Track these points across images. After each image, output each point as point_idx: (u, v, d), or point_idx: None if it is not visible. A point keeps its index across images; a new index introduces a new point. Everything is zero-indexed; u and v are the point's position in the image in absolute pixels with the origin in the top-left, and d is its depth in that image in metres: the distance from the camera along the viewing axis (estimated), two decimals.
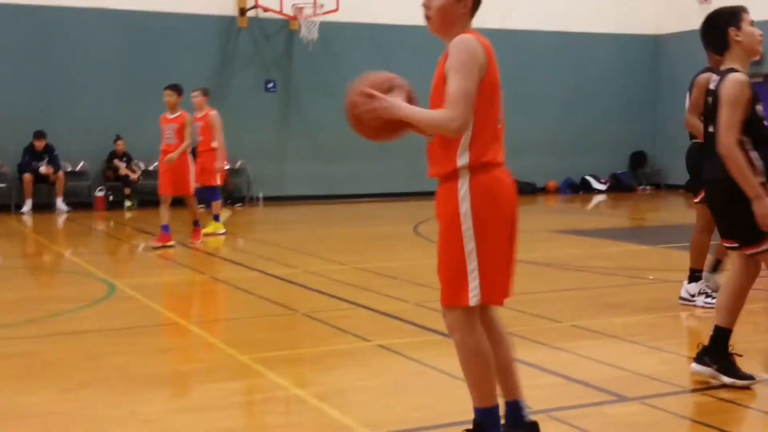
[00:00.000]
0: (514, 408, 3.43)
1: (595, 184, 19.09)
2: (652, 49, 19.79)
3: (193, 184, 10.29)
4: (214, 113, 11.00)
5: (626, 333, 5.50)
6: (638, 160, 19.82)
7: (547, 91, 18.89)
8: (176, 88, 10.24)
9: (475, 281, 3.21)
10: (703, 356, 4.35)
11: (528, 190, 18.34)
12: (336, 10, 15.99)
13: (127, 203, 15.28)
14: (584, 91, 19.20)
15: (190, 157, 10.24)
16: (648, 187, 19.46)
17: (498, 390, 3.41)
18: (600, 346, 5.25)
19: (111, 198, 15.34)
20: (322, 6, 15.91)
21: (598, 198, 18.13)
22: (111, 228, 13.06)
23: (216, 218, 11.23)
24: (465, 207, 3.21)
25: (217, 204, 11.26)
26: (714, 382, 4.31)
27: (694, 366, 4.37)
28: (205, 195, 11.08)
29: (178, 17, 16.00)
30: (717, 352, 4.31)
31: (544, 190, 18.69)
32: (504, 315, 5.95)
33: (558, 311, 6.22)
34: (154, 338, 5.89)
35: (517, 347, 5.15)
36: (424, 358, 4.91)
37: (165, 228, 9.95)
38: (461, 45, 3.18)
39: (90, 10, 15.46)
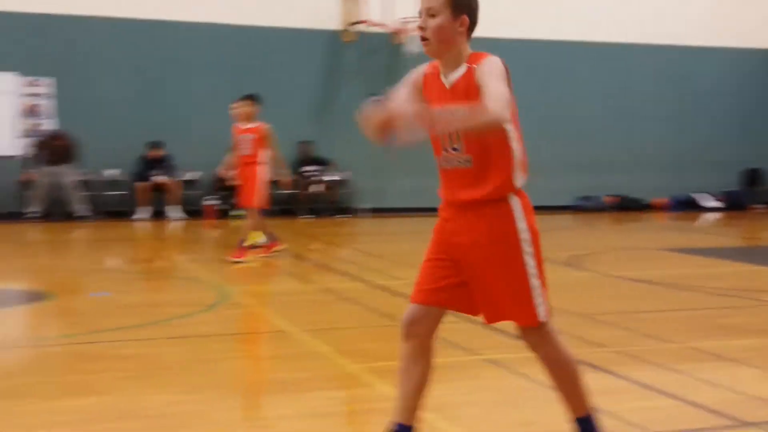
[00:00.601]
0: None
1: (706, 202, 18.51)
2: (766, 63, 19.10)
3: (260, 198, 9.92)
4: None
5: (743, 356, 5.31)
6: (752, 177, 19.13)
7: (655, 106, 18.47)
8: (255, 98, 10.17)
9: (541, 296, 3.24)
10: None
11: (634, 206, 17.93)
12: None
13: (234, 212, 15.66)
14: (695, 106, 18.68)
15: (262, 169, 9.98)
16: (763, 206, 18.75)
17: (401, 408, 3.41)
18: (716, 368, 5.09)
19: (221, 207, 15.77)
20: None
21: (709, 216, 17.57)
22: (221, 236, 13.40)
23: (259, 230, 10.65)
24: (522, 224, 3.22)
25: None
26: None
27: None
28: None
29: (285, 32, 16.36)
30: None
31: (651, 207, 18.24)
32: (614, 334, 5.88)
33: (670, 331, 6.05)
34: (264, 345, 6.03)
35: (629, 367, 5.06)
36: (532, 374, 4.85)
37: (268, 237, 10.10)
38: (497, 61, 3.16)
39: (204, 25, 16.00)
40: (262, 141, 9.95)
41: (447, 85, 3.27)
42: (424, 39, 3.25)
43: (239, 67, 16.13)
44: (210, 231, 14.06)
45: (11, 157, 15.12)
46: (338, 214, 16.20)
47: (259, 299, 7.75)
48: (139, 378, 4.88)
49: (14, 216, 14.73)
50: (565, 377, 3.33)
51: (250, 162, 9.96)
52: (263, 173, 10.00)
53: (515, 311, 3.26)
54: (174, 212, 15.34)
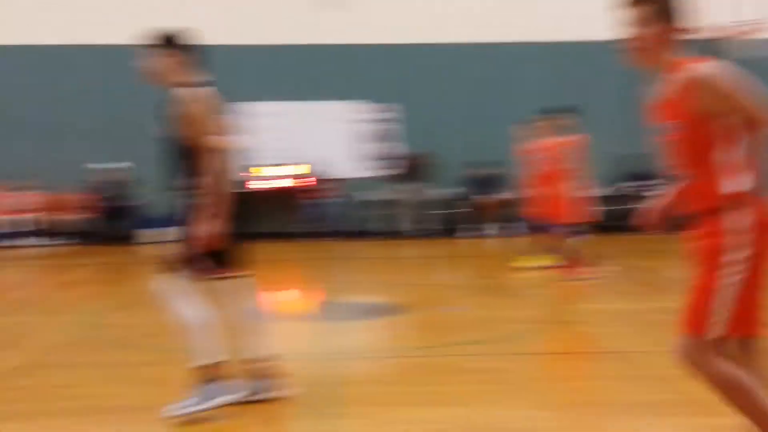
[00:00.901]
0: None
1: None
2: None
3: (573, 213, 9.75)
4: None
5: None
6: None
7: None
8: (574, 111, 9.95)
9: (723, 316, 3.16)
10: None
11: None
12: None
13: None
14: None
15: (575, 183, 9.81)
16: None
17: None
18: None
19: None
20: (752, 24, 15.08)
21: None
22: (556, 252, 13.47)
23: (545, 252, 10.44)
24: (734, 240, 3.12)
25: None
26: None
27: None
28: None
29: (587, 45, 16.32)
30: None
31: None
32: None
33: None
34: (606, 365, 6.02)
35: None
36: None
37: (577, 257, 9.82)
38: (715, 79, 3.08)
39: (522, 45, 16.52)
40: (576, 154, 9.78)
41: (660, 99, 3.28)
42: (633, 49, 3.26)
43: (560, 83, 16.31)
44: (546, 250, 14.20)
45: (366, 179, 16.57)
46: (668, 230, 15.63)
47: (592, 317, 7.77)
48: (490, 392, 5.16)
49: (357, 234, 16.04)
50: (736, 399, 3.21)
51: (560, 177, 9.83)
52: (576, 188, 9.83)
53: (687, 315, 3.22)
54: (511, 229, 15.62)
